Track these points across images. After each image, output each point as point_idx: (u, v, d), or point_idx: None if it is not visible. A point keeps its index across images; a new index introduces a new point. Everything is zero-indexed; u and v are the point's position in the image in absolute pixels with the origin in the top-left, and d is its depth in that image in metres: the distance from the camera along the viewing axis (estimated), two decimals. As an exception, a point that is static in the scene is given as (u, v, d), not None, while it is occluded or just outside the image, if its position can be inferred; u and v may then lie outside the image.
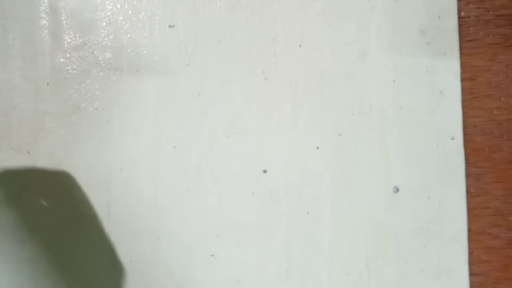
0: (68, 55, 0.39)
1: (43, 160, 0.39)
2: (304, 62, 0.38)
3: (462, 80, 0.38)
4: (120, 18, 0.39)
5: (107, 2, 0.39)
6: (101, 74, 0.39)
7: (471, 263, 0.37)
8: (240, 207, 0.38)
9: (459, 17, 0.38)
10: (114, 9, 0.39)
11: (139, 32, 0.39)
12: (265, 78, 0.38)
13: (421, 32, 0.38)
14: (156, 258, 0.38)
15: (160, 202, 0.38)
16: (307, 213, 0.38)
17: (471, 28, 0.38)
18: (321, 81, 0.38)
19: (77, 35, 0.39)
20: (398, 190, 0.37)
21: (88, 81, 0.39)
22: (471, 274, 0.37)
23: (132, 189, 0.38)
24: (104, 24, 0.39)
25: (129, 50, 0.39)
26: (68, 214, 0.38)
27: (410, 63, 0.38)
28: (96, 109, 0.39)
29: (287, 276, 0.38)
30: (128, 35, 0.39)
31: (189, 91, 0.38)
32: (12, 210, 0.39)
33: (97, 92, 0.39)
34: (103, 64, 0.39)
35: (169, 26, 0.39)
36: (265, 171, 0.38)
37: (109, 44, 0.39)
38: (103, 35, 0.39)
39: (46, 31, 0.39)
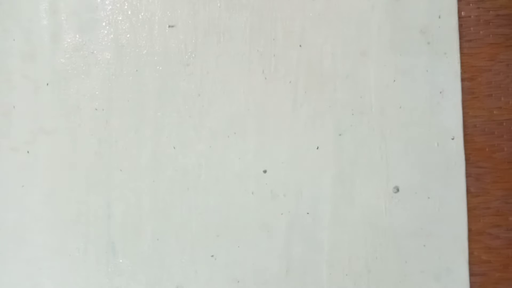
0: (68, 55, 0.39)
1: (43, 160, 0.39)
2: (304, 62, 0.38)
3: (462, 80, 0.38)
4: (120, 18, 0.39)
5: (107, 2, 0.39)
6: (101, 74, 0.39)
7: (471, 263, 0.37)
8: (240, 207, 0.38)
9: (459, 17, 0.38)
10: (114, 9, 0.39)
11: (139, 32, 0.39)
12: (265, 78, 0.38)
13: (421, 32, 0.38)
14: (156, 258, 0.38)
15: (160, 202, 0.38)
16: (307, 213, 0.38)
17: (471, 28, 0.38)
18: (321, 81, 0.38)
19: (77, 35, 0.39)
20: (398, 190, 0.37)
21: (88, 81, 0.39)
22: (471, 274, 0.37)
23: (132, 189, 0.38)
24: (104, 24, 0.39)
25: (129, 50, 0.39)
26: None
27: (410, 63, 0.38)
28: (96, 109, 0.39)
29: (287, 276, 0.38)
30: (128, 35, 0.39)
31: (189, 91, 0.38)
32: (12, 210, 0.39)
33: (97, 92, 0.39)
34: (103, 64, 0.39)
35: (169, 26, 0.39)
36: (265, 171, 0.38)
37: (109, 44, 0.39)
38: (103, 35, 0.39)
39: (46, 31, 0.39)
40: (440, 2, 0.38)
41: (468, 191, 0.37)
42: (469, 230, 0.37)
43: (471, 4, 0.38)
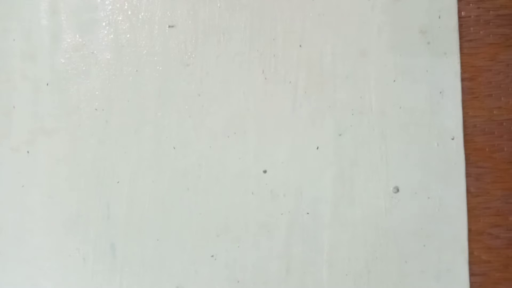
0: (68, 55, 0.39)
1: (43, 160, 0.39)
2: (304, 62, 0.38)
3: (462, 80, 0.38)
4: (120, 18, 0.39)
5: (107, 2, 0.39)
6: (101, 74, 0.39)
7: (471, 263, 0.37)
8: (240, 207, 0.38)
9: (459, 17, 0.38)
10: (114, 9, 0.39)
11: (139, 32, 0.39)
12: (265, 78, 0.38)
13: (421, 32, 0.38)
14: (156, 258, 0.38)
15: (160, 202, 0.38)
16: (307, 213, 0.38)
17: (471, 28, 0.38)
18: (321, 81, 0.38)
19: (77, 35, 0.39)
20: (398, 190, 0.37)
21: (88, 81, 0.39)
22: (471, 274, 0.37)
23: (132, 189, 0.38)
24: (104, 24, 0.39)
25: (129, 50, 0.39)
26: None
27: (410, 63, 0.38)
28: (96, 109, 0.39)
29: (287, 276, 0.38)
30: (128, 35, 0.39)
31: (189, 91, 0.38)
32: (12, 210, 0.39)
33: (97, 92, 0.39)
34: (103, 64, 0.39)
35: (169, 26, 0.39)
36: (265, 171, 0.38)
37: (109, 44, 0.39)
38: (103, 35, 0.39)
39: (46, 31, 0.39)
40: (440, 2, 0.38)
41: (468, 191, 0.37)
42: (469, 230, 0.37)
43: (471, 4, 0.38)
